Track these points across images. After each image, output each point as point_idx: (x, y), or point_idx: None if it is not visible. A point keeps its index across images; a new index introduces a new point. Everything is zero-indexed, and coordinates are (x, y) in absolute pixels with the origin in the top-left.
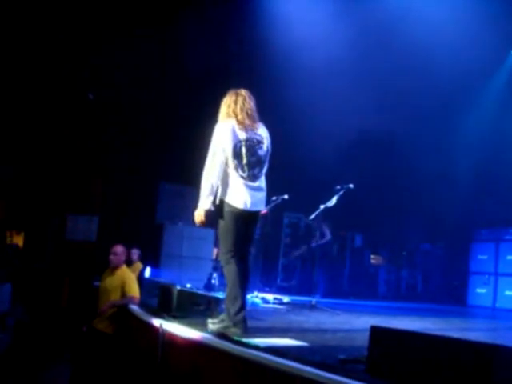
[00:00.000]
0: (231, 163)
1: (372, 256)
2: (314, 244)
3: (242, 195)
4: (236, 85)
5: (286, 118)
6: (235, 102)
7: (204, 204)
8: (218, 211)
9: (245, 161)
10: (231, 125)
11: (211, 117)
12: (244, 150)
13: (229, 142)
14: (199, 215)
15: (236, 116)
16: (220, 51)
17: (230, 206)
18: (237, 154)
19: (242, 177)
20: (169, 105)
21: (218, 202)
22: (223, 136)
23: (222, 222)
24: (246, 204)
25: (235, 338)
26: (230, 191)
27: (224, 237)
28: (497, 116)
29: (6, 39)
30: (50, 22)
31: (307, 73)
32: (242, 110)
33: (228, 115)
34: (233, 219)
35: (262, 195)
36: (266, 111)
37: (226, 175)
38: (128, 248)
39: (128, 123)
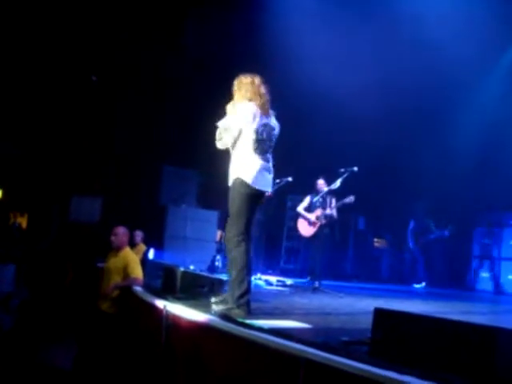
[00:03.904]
0: (252, 145)
1: (375, 239)
2: (328, 212)
3: (259, 175)
4: (241, 68)
5: (290, 100)
6: (259, 86)
7: None
8: (232, 192)
9: (263, 144)
10: (256, 108)
11: (215, 101)
12: (264, 135)
13: (252, 124)
14: None
15: (260, 99)
16: (224, 35)
17: (247, 186)
18: (258, 138)
19: (260, 158)
20: (173, 88)
21: (235, 179)
22: (248, 117)
23: (235, 204)
24: (261, 184)
25: (239, 319)
26: (248, 170)
27: (237, 219)
28: (501, 100)
29: (15, 21)
30: (58, 6)
31: (312, 57)
32: (264, 94)
33: (251, 96)
34: (247, 201)
35: (271, 177)
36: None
37: (246, 155)
38: (131, 230)
39: (132, 106)
